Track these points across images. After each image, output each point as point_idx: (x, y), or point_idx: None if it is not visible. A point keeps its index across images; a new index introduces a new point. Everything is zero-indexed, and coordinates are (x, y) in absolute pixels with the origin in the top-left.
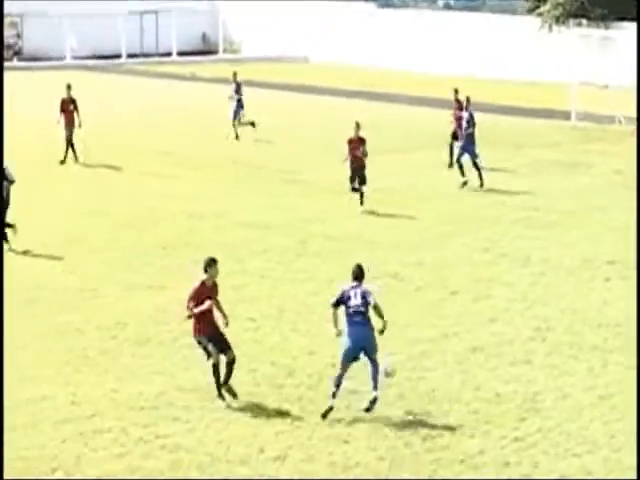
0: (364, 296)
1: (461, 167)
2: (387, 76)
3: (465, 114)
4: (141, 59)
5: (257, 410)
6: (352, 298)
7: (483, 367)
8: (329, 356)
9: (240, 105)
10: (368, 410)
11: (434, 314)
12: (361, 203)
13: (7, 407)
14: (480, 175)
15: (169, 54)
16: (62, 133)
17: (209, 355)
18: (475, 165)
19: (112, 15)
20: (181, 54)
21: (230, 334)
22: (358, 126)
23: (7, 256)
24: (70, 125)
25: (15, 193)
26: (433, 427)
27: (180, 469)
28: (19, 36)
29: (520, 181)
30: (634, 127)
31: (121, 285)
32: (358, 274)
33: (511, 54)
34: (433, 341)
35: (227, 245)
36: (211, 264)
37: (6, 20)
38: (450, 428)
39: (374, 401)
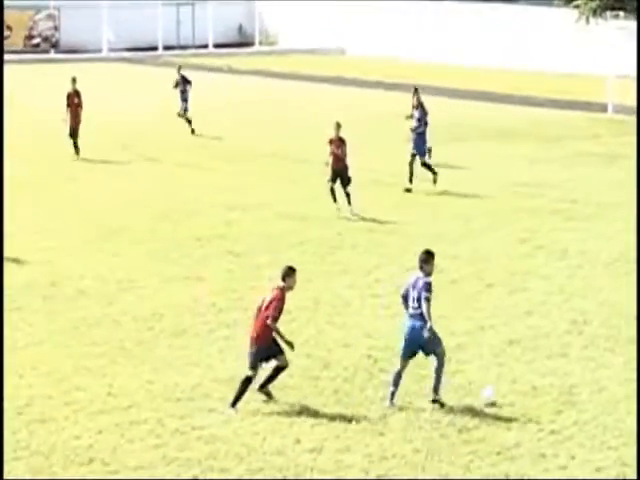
0: (419, 298)
1: (423, 166)
2: (423, 68)
3: (416, 113)
4: (177, 51)
5: (292, 402)
6: (409, 299)
7: (519, 360)
8: (365, 348)
9: (184, 98)
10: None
11: (470, 307)
12: (349, 203)
13: (42, 397)
14: (432, 172)
15: (205, 46)
16: (66, 128)
17: (278, 358)
18: (424, 165)
19: (149, 7)
20: (217, 46)
21: None
22: (339, 126)
23: (49, 249)
24: (75, 118)
25: (54, 184)
26: (469, 419)
27: (216, 460)
28: (56, 28)
29: (559, 173)
30: None
31: (158, 276)
32: (422, 261)
33: (548, 46)
34: (469, 334)
35: (263, 237)
36: (289, 273)
37: (44, 12)
38: (486, 420)
39: (435, 401)
